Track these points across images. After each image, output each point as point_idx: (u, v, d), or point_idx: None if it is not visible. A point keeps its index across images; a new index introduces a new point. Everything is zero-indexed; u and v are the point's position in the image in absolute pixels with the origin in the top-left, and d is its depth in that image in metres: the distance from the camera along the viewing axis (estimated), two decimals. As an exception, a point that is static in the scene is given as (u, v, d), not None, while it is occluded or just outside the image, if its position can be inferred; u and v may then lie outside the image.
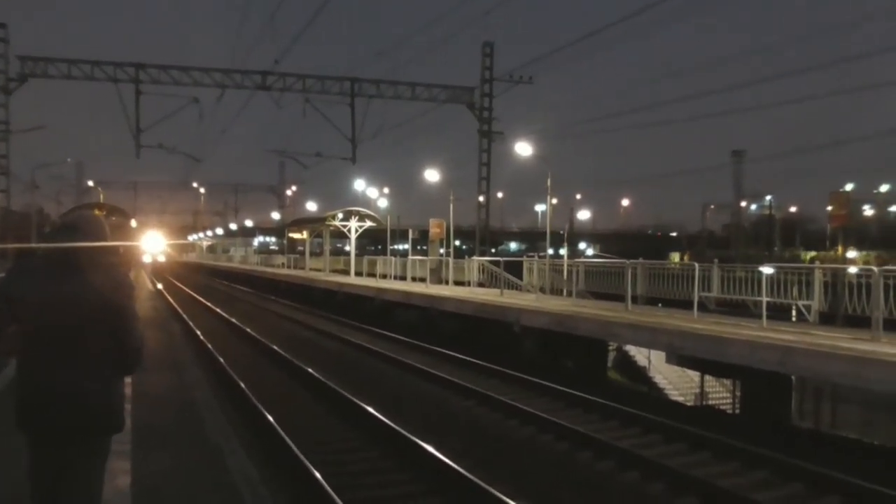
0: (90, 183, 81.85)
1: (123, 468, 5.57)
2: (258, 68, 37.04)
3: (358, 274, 35.60)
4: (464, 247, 58.70)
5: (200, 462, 6.25)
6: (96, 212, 3.56)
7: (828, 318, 13.44)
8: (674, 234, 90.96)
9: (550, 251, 26.41)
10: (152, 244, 62.92)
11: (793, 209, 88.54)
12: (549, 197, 24.69)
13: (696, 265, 15.23)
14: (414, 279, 29.23)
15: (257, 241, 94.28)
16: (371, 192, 48.98)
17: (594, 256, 55.74)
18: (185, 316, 24.66)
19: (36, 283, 3.15)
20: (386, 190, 50.73)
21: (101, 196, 73.11)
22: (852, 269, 15.76)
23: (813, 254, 56.40)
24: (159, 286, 41.00)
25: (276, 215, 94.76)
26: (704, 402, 18.94)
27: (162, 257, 71.29)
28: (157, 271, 61.39)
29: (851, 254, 52.32)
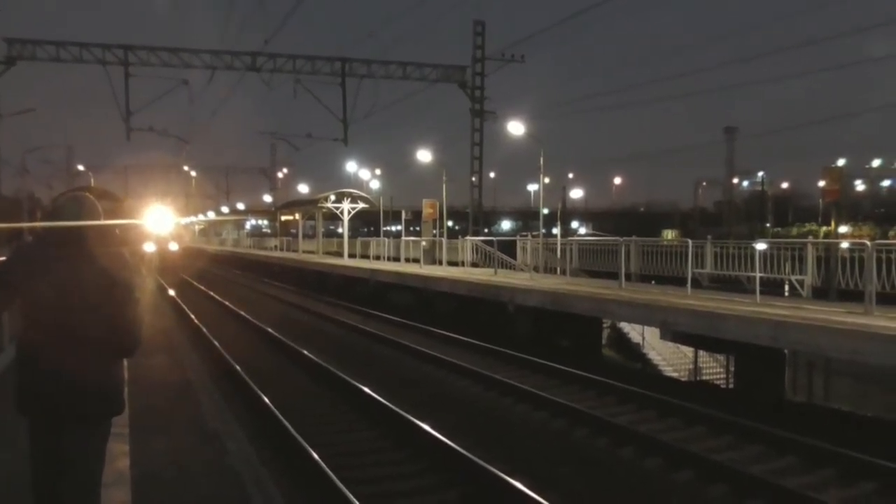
0: (80, 167, 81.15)
1: (122, 451, 5.58)
2: (248, 49, 36.65)
3: (351, 256, 35.55)
4: (457, 227, 58.67)
5: (198, 444, 6.26)
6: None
7: (821, 293, 13.52)
8: (666, 211, 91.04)
9: (543, 230, 26.41)
10: (158, 225, 36.43)
11: (784, 185, 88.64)
12: (541, 176, 24.67)
13: (690, 242, 15.27)
14: (408, 260, 29.23)
15: (249, 223, 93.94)
16: (363, 174, 48.98)
17: (587, 235, 55.79)
18: (179, 300, 24.62)
19: (34, 268, 3.13)
20: (378, 171, 50.71)
21: (92, 180, 72.65)
22: (844, 244, 15.84)
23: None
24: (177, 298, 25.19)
25: (267, 198, 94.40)
26: (698, 378, 19.09)
27: (174, 244, 44.61)
28: (173, 268, 39.31)
29: (843, 229, 52.42)
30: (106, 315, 3.12)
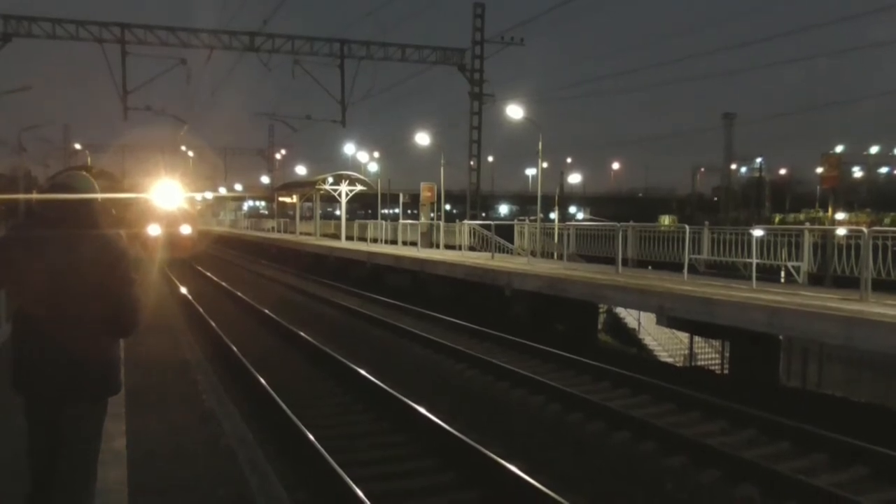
0: (77, 146, 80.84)
1: (119, 430, 5.61)
2: (246, 29, 36.36)
3: (349, 238, 35.52)
4: (454, 211, 58.63)
5: (195, 424, 6.29)
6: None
7: (817, 280, 13.55)
8: (664, 196, 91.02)
9: (541, 215, 26.41)
10: (166, 202, 31.01)
11: (783, 171, 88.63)
12: (539, 160, 24.61)
13: (687, 227, 15.27)
14: (405, 243, 29.21)
15: (247, 205, 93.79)
16: (361, 156, 48.81)
17: (585, 220, 55.75)
18: (175, 279, 24.62)
19: (29, 246, 3.12)
20: (376, 154, 50.59)
21: (89, 159, 72.30)
22: (841, 231, 15.85)
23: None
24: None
25: (265, 179, 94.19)
26: (694, 363, 19.17)
27: (187, 227, 33.51)
28: (183, 258, 31.72)
29: (840, 215, 52.52)
30: (104, 295, 3.11)
